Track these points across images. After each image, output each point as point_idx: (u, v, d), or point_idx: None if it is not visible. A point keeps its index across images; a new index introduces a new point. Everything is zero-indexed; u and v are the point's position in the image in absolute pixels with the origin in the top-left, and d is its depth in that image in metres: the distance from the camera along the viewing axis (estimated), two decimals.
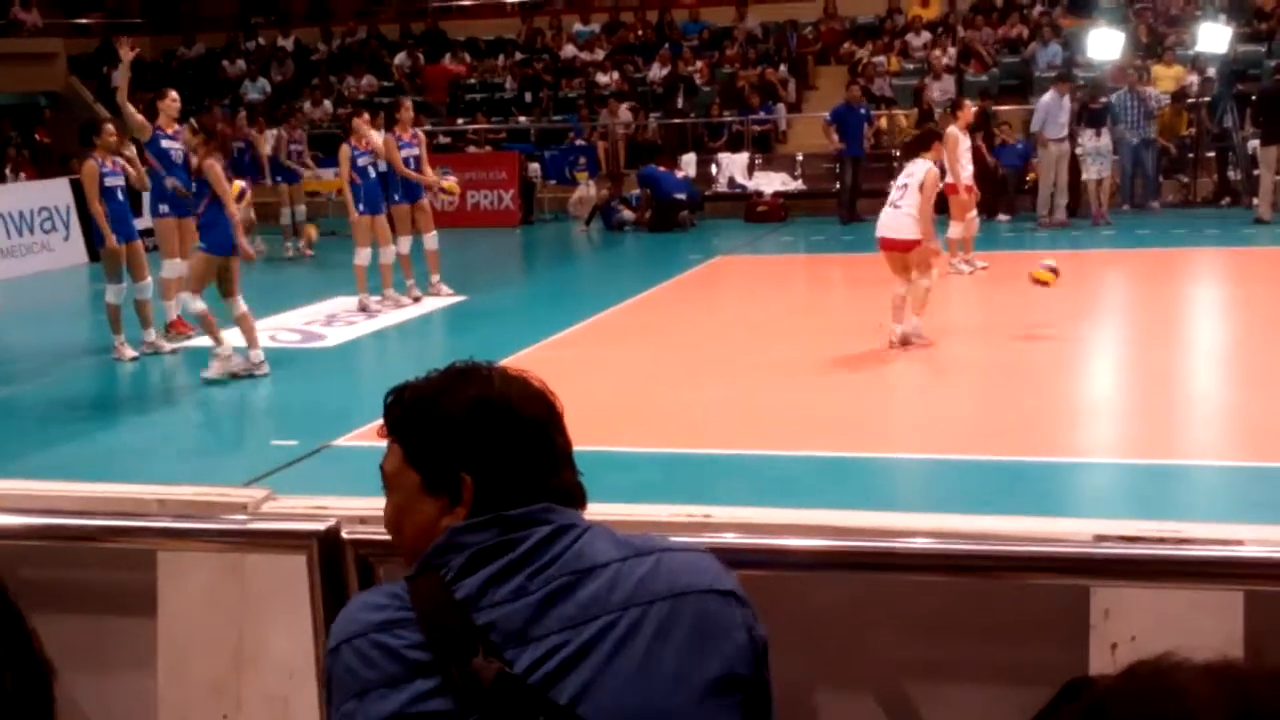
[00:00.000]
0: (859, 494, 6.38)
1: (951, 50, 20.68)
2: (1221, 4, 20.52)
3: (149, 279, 10.48)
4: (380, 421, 1.70)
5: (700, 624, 1.54)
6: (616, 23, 23.99)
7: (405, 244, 12.80)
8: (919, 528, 2.10)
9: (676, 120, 20.91)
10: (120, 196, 10.32)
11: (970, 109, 14.11)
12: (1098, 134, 16.42)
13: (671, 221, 17.84)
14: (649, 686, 1.50)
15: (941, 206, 11.22)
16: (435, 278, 13.05)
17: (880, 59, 21.06)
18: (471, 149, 20.63)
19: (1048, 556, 1.98)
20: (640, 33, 23.55)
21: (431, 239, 12.95)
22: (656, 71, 21.94)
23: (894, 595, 2.13)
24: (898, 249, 9.53)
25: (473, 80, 23.35)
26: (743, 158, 19.56)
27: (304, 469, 7.13)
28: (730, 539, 2.02)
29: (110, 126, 10.57)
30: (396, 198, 12.79)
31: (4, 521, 2.33)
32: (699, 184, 18.92)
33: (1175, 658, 0.93)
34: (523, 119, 22.06)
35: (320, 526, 2.16)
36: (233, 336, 9.57)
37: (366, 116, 12.94)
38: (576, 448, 1.70)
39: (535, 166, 20.10)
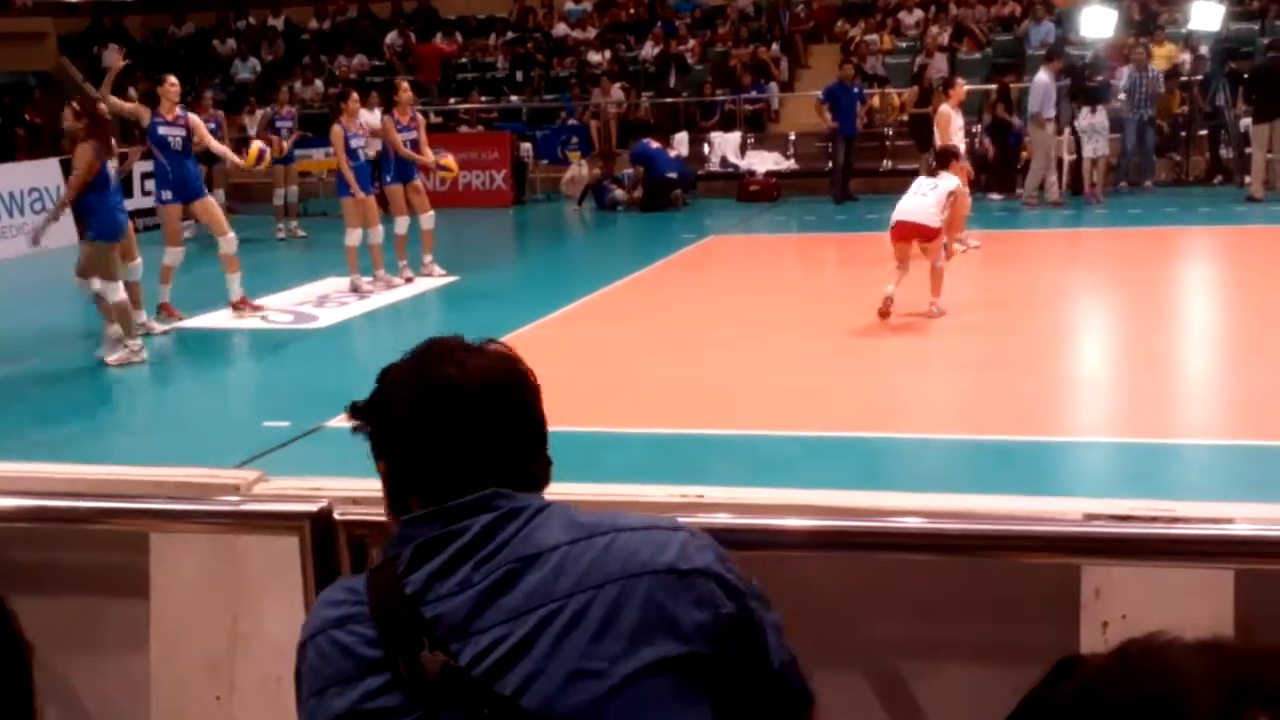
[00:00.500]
0: (852, 474, 6.38)
1: (945, 28, 20.64)
2: None
3: (139, 259, 10.41)
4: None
5: (650, 605, 1.49)
6: (608, 1, 23.89)
7: (403, 224, 12.74)
8: (911, 507, 2.11)
9: (669, 99, 20.85)
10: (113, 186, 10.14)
11: (962, 87, 14.09)
12: (1093, 111, 16.40)
13: (664, 201, 17.80)
14: (591, 674, 1.46)
15: None
16: (428, 258, 13.01)
17: (873, 37, 21.02)
18: (463, 128, 20.55)
19: (1039, 536, 1.98)
20: (632, 11, 23.48)
21: (428, 219, 12.89)
22: (649, 50, 21.87)
23: (886, 575, 2.13)
24: (918, 235, 9.73)
25: (464, 59, 23.29)
26: (735, 137, 19.51)
27: (296, 450, 7.11)
28: (723, 519, 2.02)
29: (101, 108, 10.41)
30: (389, 178, 12.75)
31: None
32: (691, 163, 18.87)
33: (1166, 636, 0.94)
34: (515, 98, 22.01)
35: (313, 508, 2.17)
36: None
37: (356, 97, 12.89)
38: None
39: (527, 146, 20.02)
